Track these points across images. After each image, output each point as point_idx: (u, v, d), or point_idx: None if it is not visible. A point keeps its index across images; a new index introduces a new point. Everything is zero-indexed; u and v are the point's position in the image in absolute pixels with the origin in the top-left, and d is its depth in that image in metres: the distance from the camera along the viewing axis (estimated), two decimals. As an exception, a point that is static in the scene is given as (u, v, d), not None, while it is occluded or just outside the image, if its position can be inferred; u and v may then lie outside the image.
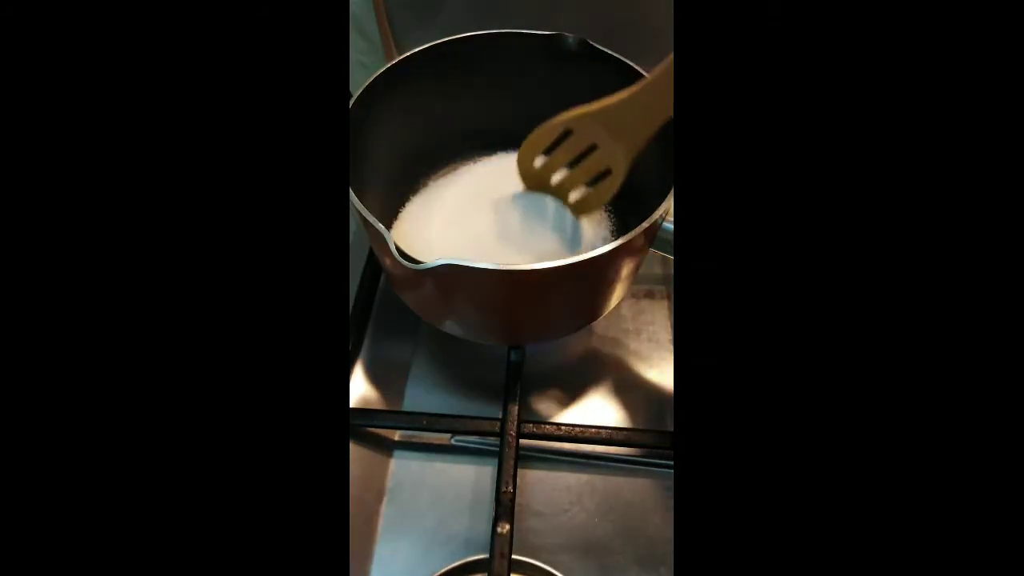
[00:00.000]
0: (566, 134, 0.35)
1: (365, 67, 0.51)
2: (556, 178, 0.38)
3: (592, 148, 0.35)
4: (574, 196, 0.38)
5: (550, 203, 0.40)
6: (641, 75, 0.35)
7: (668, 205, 0.31)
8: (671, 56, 0.29)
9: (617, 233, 0.42)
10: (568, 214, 0.42)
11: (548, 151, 0.36)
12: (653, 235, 0.33)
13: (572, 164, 0.37)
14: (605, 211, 0.43)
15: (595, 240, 0.41)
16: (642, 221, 0.30)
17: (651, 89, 0.31)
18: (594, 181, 0.37)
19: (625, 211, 0.43)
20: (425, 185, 0.45)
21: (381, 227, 0.30)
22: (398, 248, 0.30)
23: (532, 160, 0.37)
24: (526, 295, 0.32)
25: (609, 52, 0.37)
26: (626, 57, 0.37)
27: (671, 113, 0.31)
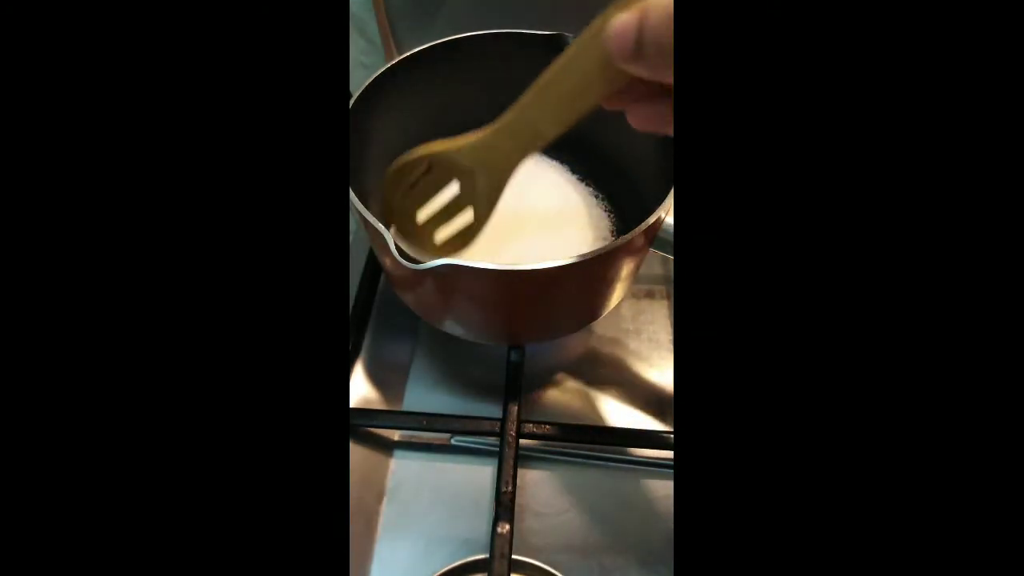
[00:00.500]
0: (426, 172, 0.32)
1: (365, 67, 0.51)
2: (421, 217, 0.34)
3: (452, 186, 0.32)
4: (439, 237, 0.34)
5: (550, 203, 0.40)
6: None
7: (668, 205, 0.31)
8: (531, 88, 0.26)
9: (617, 233, 0.42)
10: (569, 214, 0.42)
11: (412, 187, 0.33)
12: (653, 235, 0.33)
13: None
14: (605, 211, 0.43)
15: (595, 240, 0.41)
16: (642, 221, 0.30)
17: (513, 123, 0.28)
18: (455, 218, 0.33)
19: (625, 211, 0.43)
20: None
21: (381, 227, 0.30)
22: (399, 248, 0.30)
23: (394, 196, 0.34)
24: (526, 295, 0.32)
25: None
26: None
27: (529, 151, 0.28)
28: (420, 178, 0.32)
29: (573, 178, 0.45)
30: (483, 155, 0.29)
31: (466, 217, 0.32)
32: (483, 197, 0.31)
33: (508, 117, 0.28)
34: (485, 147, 0.29)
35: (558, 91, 0.26)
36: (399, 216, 0.34)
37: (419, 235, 0.34)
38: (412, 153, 0.31)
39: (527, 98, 0.27)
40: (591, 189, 0.45)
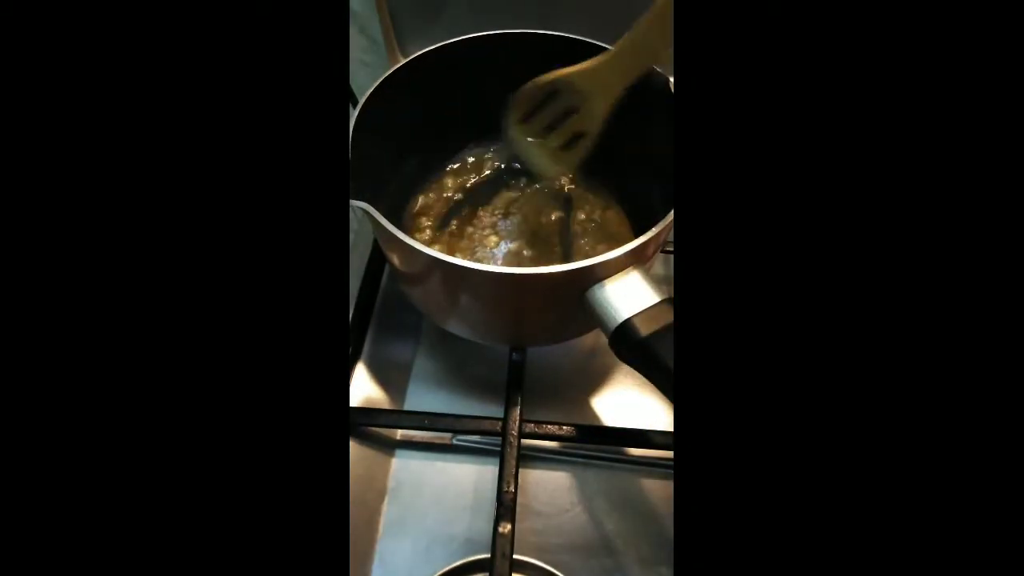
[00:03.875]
0: (548, 97, 0.37)
1: (367, 66, 0.51)
2: (534, 139, 0.40)
3: (569, 113, 0.37)
4: (549, 154, 0.40)
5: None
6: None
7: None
8: (647, 14, 0.31)
9: (635, 235, 0.42)
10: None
11: (531, 115, 0.38)
12: (660, 243, 0.33)
13: (550, 128, 0.39)
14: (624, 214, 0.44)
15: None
16: (651, 226, 0.30)
17: (622, 50, 0.34)
18: (567, 145, 0.39)
19: (636, 214, 0.43)
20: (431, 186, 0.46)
21: (394, 228, 0.30)
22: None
23: (516, 120, 0.39)
24: (530, 299, 0.32)
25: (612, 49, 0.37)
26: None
27: (643, 69, 0.34)
28: (542, 104, 0.37)
29: (598, 182, 0.45)
30: (601, 77, 0.35)
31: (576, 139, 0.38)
32: (596, 117, 0.36)
33: (625, 42, 0.33)
34: (604, 69, 0.34)
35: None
36: (517, 137, 0.39)
37: (540, 152, 0.40)
38: (534, 82, 0.36)
39: (643, 23, 0.32)
40: (614, 193, 0.45)
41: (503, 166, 0.46)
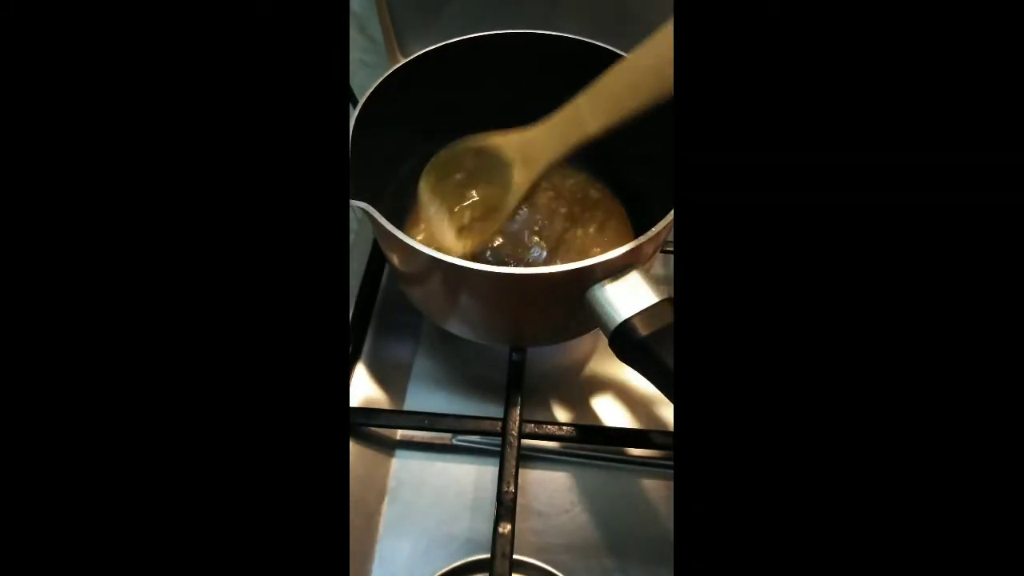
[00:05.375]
0: (474, 161, 0.35)
1: (367, 66, 0.51)
2: (455, 207, 0.37)
3: (486, 180, 0.35)
4: (460, 226, 0.37)
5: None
6: None
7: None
8: (586, 89, 0.30)
9: (636, 235, 0.42)
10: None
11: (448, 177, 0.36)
12: (660, 243, 0.33)
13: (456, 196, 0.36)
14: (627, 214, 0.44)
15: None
16: (651, 225, 0.30)
17: (551, 126, 0.31)
18: (480, 216, 0.36)
19: (636, 214, 0.43)
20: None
21: (395, 229, 0.30)
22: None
23: (432, 182, 0.36)
24: (530, 299, 0.32)
25: (614, 50, 0.37)
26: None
27: (571, 146, 0.31)
28: (460, 170, 0.35)
29: (596, 181, 0.45)
30: (527, 149, 0.32)
31: (493, 209, 0.35)
32: (515, 192, 0.33)
33: (557, 115, 0.31)
34: (530, 141, 0.32)
35: (611, 90, 0.30)
36: (430, 201, 0.37)
37: (446, 226, 0.37)
38: (458, 144, 0.34)
39: (580, 98, 0.30)
40: (613, 191, 0.45)
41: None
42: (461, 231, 0.37)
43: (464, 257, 0.33)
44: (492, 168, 0.34)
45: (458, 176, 0.36)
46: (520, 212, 0.43)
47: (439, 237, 0.37)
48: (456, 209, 0.37)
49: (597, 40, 0.38)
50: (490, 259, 0.41)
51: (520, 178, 0.33)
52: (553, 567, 0.34)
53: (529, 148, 0.32)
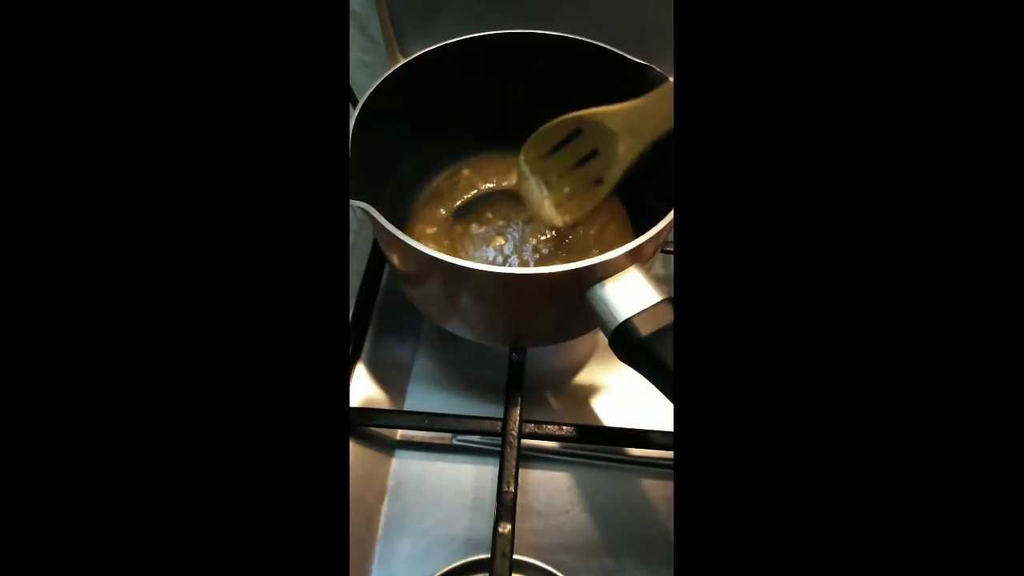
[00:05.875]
0: (571, 136, 0.35)
1: (367, 66, 0.51)
2: (547, 179, 0.38)
3: (590, 155, 0.35)
4: (559, 199, 0.38)
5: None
6: (644, 70, 0.35)
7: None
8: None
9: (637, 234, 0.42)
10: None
11: (550, 151, 0.37)
12: (660, 243, 0.33)
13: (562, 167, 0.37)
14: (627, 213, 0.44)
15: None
16: (651, 225, 0.30)
17: (661, 97, 0.32)
18: (582, 188, 0.37)
19: (636, 214, 0.43)
20: (436, 186, 0.46)
21: (396, 230, 0.30)
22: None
23: (533, 156, 0.37)
24: (530, 299, 0.32)
25: (614, 50, 0.37)
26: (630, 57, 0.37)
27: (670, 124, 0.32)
28: (561, 142, 0.35)
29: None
30: (634, 120, 0.32)
31: (594, 181, 0.35)
32: (620, 164, 0.33)
33: (666, 88, 0.31)
34: (638, 111, 0.32)
35: None
36: (531, 172, 0.37)
37: (546, 201, 0.37)
38: (562, 117, 0.34)
39: None
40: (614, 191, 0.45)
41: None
42: (559, 204, 0.37)
43: (564, 227, 0.36)
44: (595, 140, 0.34)
45: (559, 149, 0.36)
46: (522, 214, 0.43)
47: (536, 209, 0.38)
48: (555, 181, 0.37)
49: (597, 40, 0.38)
50: (491, 259, 0.41)
51: (626, 149, 0.33)
52: (553, 567, 0.34)
53: (637, 119, 0.32)
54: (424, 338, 0.46)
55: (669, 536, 0.37)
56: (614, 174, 0.34)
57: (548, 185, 0.38)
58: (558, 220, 0.37)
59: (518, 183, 0.38)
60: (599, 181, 0.35)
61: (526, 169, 0.37)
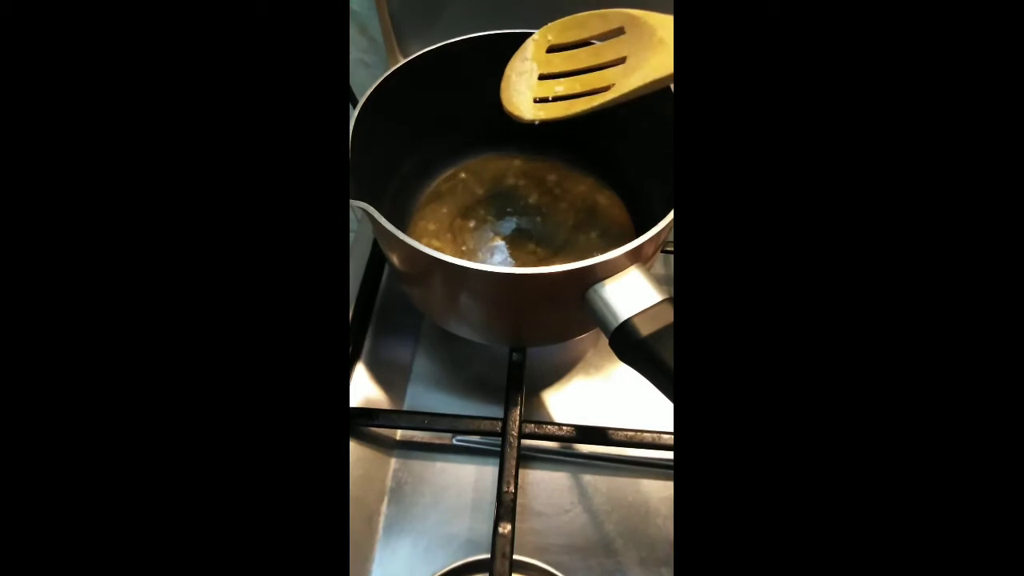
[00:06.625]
0: (604, 36, 0.31)
1: (367, 66, 0.51)
2: (544, 71, 0.33)
3: (611, 63, 0.31)
4: (544, 95, 0.33)
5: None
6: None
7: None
8: None
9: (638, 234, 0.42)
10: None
11: (570, 44, 0.33)
12: (660, 243, 0.33)
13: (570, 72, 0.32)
14: (629, 213, 0.44)
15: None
16: (651, 225, 0.30)
17: None
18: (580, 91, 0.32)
19: (636, 214, 0.43)
20: (436, 186, 0.46)
21: (394, 228, 0.30)
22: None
23: (546, 41, 0.33)
24: (530, 299, 0.32)
25: None
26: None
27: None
28: (584, 36, 0.31)
29: (600, 182, 0.46)
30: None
31: (598, 88, 0.31)
32: (651, 73, 0.28)
33: None
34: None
35: None
36: (530, 65, 0.33)
37: (530, 90, 0.33)
38: (608, 10, 0.30)
39: None
40: (615, 192, 0.45)
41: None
42: (542, 101, 0.32)
43: (535, 122, 0.31)
44: (632, 45, 0.30)
45: (576, 44, 0.31)
46: (522, 214, 0.43)
47: (511, 95, 0.33)
48: (546, 79, 0.33)
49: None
50: (491, 259, 0.41)
51: (657, 63, 0.28)
52: (553, 567, 0.34)
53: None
54: (424, 338, 0.46)
55: (669, 536, 0.37)
56: (632, 82, 0.29)
57: (540, 77, 0.33)
58: (529, 114, 0.32)
59: (513, 60, 0.34)
60: (605, 89, 0.30)
61: (531, 49, 0.33)
